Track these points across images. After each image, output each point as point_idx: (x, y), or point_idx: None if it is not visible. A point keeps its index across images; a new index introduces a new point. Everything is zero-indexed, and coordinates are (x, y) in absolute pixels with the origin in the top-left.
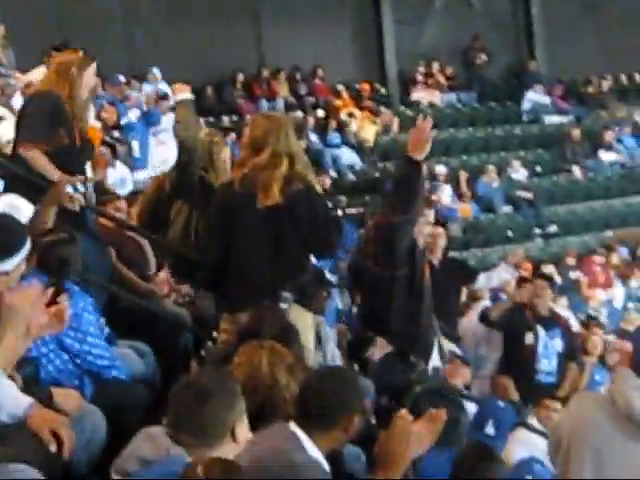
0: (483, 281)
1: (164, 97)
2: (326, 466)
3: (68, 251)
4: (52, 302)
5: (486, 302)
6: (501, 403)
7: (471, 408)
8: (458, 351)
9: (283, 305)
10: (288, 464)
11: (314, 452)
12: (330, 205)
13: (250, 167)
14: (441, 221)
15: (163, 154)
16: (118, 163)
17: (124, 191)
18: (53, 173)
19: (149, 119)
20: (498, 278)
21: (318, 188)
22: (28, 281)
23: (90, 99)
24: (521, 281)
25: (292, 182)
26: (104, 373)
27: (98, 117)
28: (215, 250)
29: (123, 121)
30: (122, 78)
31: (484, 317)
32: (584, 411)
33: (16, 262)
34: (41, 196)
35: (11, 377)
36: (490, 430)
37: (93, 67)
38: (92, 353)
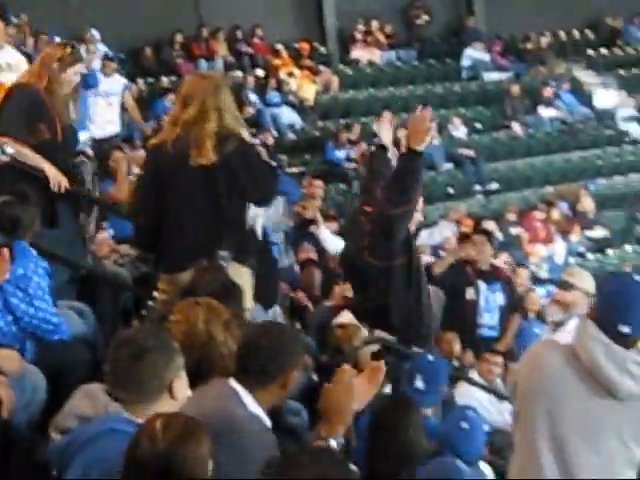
0: (424, 237)
1: (110, 59)
2: (267, 421)
3: (21, 211)
4: None
5: (427, 258)
6: (431, 357)
7: None
8: None
9: (221, 263)
10: (229, 419)
11: (254, 407)
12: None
13: (180, 124)
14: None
15: (109, 115)
16: None
17: None
18: (38, 160)
19: (88, 81)
20: (439, 235)
21: (248, 138)
22: None
23: (70, 96)
24: (462, 237)
25: (226, 140)
26: (47, 337)
27: None
28: (149, 211)
29: None
30: (59, 39)
31: (427, 274)
32: (545, 359)
33: None
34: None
35: None
36: (419, 384)
37: (78, 67)
38: (37, 317)
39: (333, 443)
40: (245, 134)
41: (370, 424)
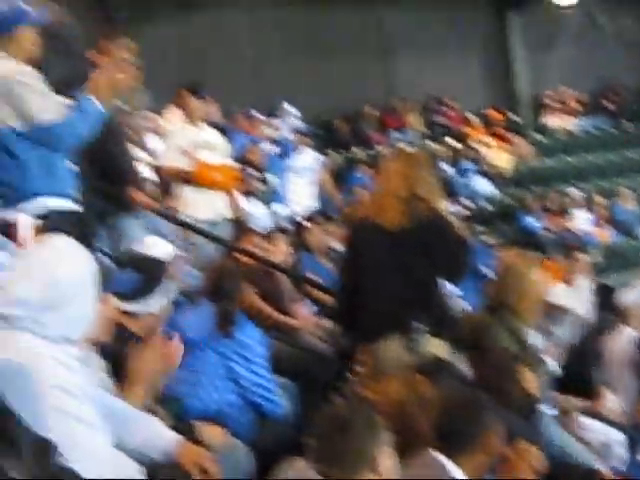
0: (632, 297)
1: (305, 134)
2: None
3: (235, 282)
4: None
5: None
6: None
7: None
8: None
9: (415, 336)
10: None
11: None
12: (463, 232)
13: (376, 197)
14: (580, 247)
15: (306, 191)
16: (256, 200)
17: (262, 227)
18: None
19: (286, 154)
20: None
21: (447, 213)
22: (198, 308)
23: None
24: None
25: (416, 207)
26: (266, 407)
27: (242, 159)
28: (349, 285)
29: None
30: (257, 114)
31: None
32: None
33: (157, 303)
34: None
35: (152, 411)
36: None
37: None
38: (259, 384)
39: None
40: (442, 205)
41: None
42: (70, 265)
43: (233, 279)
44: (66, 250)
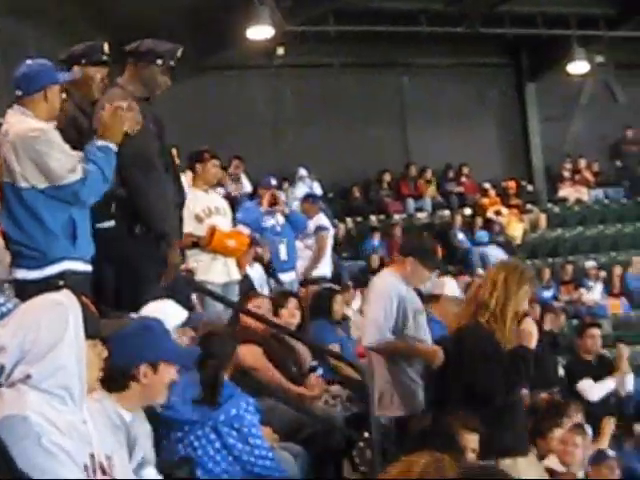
0: None
1: (313, 201)
2: None
3: (224, 347)
4: None
5: None
6: None
7: None
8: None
9: None
10: None
11: None
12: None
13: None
14: (593, 320)
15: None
16: (256, 264)
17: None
18: None
19: (296, 222)
20: None
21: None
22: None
23: None
24: None
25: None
26: (266, 475)
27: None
28: None
29: (268, 223)
30: (274, 181)
31: None
32: None
33: None
34: None
35: None
36: None
37: None
38: (254, 454)
39: None
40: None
41: None
42: (50, 317)
43: (223, 344)
44: (52, 302)
